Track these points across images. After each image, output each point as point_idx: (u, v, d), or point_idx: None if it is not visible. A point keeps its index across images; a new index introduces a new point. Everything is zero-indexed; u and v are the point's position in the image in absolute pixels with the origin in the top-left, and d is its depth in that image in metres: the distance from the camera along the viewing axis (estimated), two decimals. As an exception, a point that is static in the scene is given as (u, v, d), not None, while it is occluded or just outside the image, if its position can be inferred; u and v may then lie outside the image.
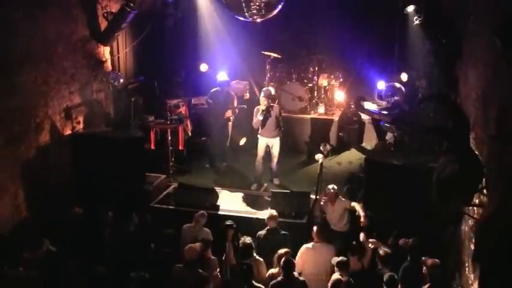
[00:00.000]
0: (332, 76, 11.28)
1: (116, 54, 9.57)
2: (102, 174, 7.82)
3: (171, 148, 9.45)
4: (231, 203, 8.28)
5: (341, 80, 11.35)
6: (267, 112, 8.71)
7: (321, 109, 11.00)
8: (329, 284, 5.56)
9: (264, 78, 11.24)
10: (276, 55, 11.09)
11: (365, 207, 7.13)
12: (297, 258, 6.24)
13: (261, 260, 6.23)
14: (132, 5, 8.38)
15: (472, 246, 5.42)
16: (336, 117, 10.82)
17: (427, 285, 5.61)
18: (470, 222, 5.65)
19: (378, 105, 9.79)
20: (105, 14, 8.73)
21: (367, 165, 7.77)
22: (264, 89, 9.28)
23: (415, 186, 6.60)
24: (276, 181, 9.21)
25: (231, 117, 9.70)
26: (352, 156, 10.29)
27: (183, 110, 9.83)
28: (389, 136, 9.53)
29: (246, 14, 6.71)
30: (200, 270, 5.74)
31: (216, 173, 9.68)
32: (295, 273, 5.76)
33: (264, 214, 7.29)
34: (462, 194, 4.96)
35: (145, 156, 8.54)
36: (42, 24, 7.46)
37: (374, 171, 7.45)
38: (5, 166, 6.88)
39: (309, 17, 11.23)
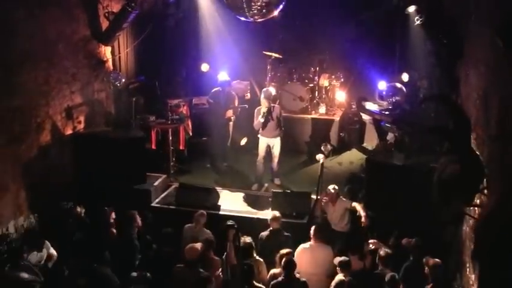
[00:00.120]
0: (333, 76, 11.27)
1: (117, 54, 9.57)
2: (103, 174, 7.84)
3: (171, 148, 9.44)
4: (231, 203, 8.27)
5: (342, 80, 11.35)
6: (268, 114, 8.69)
7: (322, 109, 10.98)
8: (332, 285, 5.56)
9: (265, 78, 11.23)
10: (277, 55, 11.10)
11: (366, 208, 7.13)
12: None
13: (262, 260, 6.22)
14: (133, 4, 8.38)
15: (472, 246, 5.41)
16: (336, 118, 10.81)
17: (429, 286, 5.60)
18: (471, 222, 5.64)
19: (378, 106, 9.77)
20: (107, 14, 8.76)
21: (368, 166, 7.77)
22: (264, 89, 9.21)
23: (416, 187, 6.60)
24: (277, 181, 9.19)
25: (232, 117, 9.69)
26: (353, 157, 10.31)
27: (184, 109, 9.81)
28: (390, 136, 9.51)
29: (247, 14, 6.69)
30: (201, 270, 5.73)
31: (216, 173, 9.67)
32: (297, 274, 5.75)
33: (265, 214, 7.28)
34: (463, 194, 4.96)
35: (146, 156, 8.53)
36: (43, 24, 7.46)
37: (375, 172, 7.46)
38: (6, 166, 6.89)
39: (310, 17, 11.22)
